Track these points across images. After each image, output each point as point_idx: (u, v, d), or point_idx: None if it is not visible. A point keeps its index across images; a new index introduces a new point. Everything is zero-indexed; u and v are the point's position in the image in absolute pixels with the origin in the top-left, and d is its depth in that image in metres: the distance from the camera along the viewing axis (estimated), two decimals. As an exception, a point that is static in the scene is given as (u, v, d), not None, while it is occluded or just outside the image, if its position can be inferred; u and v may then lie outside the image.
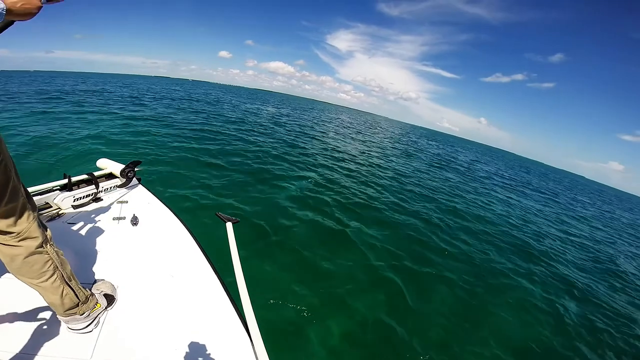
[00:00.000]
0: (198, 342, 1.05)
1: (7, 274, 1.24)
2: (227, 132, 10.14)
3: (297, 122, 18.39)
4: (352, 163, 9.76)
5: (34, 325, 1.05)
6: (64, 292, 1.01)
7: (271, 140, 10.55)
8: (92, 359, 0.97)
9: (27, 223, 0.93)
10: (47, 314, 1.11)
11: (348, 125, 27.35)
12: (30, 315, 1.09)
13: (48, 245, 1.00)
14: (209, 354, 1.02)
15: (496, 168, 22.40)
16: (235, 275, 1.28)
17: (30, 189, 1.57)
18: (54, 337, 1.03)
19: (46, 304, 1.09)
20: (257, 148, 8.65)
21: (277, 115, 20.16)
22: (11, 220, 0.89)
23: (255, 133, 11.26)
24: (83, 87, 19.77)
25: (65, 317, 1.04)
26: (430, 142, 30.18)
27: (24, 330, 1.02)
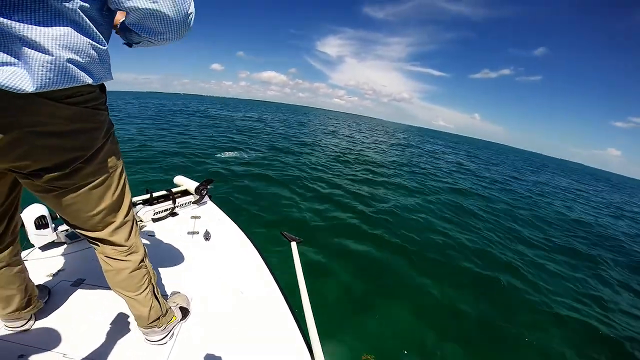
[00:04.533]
0: (265, 357, 1.07)
1: (86, 286, 1.32)
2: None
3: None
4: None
5: (111, 335, 1.08)
6: (153, 304, 1.02)
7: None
8: None
9: (135, 238, 0.96)
10: (124, 325, 1.13)
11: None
12: (107, 326, 1.12)
13: (147, 259, 1.02)
14: None
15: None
16: (301, 296, 1.27)
17: None
18: (130, 347, 1.05)
19: (121, 315, 1.16)
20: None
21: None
22: (125, 234, 0.91)
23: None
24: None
25: (146, 329, 1.04)
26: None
27: (102, 340, 1.05)
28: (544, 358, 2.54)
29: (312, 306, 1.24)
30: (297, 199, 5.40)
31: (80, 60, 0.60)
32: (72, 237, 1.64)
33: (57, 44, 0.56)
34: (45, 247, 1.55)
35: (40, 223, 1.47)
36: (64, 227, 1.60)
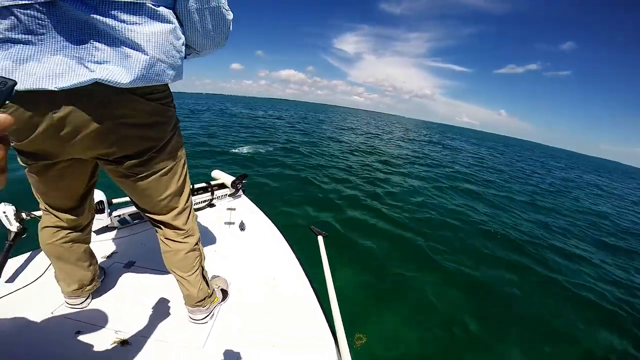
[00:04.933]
0: (293, 344, 1.13)
1: (137, 269, 1.42)
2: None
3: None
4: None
5: (158, 313, 1.16)
6: (201, 285, 1.08)
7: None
8: (205, 348, 1.05)
9: (192, 222, 1.04)
10: (170, 304, 1.21)
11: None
12: (156, 305, 1.20)
13: (200, 243, 1.09)
14: (301, 356, 1.10)
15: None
16: (327, 287, 1.32)
17: None
18: (175, 324, 1.13)
19: (168, 295, 1.25)
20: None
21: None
22: (184, 218, 1.00)
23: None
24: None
25: (193, 308, 1.11)
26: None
27: (151, 318, 1.13)
28: (563, 337, 2.63)
29: (337, 299, 1.28)
30: (317, 186, 5.69)
31: (167, 60, 0.67)
32: (123, 223, 1.79)
33: (150, 45, 0.62)
34: (99, 231, 1.68)
35: (98, 208, 1.58)
36: (117, 212, 1.75)
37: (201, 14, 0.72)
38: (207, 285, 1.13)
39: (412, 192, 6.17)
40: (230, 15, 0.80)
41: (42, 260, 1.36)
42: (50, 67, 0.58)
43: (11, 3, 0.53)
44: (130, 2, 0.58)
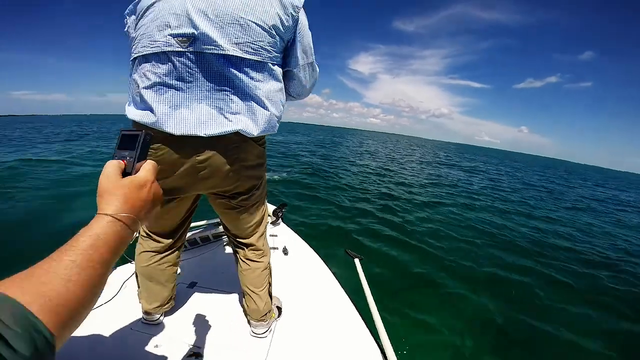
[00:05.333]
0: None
1: (199, 288, 1.53)
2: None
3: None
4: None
5: (223, 328, 1.25)
6: (267, 300, 1.15)
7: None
8: (267, 359, 1.11)
9: (267, 244, 1.16)
10: (231, 320, 1.30)
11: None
12: (219, 321, 1.29)
13: (270, 262, 1.19)
14: None
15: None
16: (370, 309, 1.37)
17: (207, 221, 2.07)
18: (237, 338, 1.20)
19: (229, 312, 1.34)
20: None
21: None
22: (263, 240, 1.13)
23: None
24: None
25: (256, 322, 1.16)
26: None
27: (217, 333, 1.22)
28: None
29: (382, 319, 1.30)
30: (336, 205, 6.04)
31: (277, 114, 0.76)
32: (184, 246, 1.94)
33: (270, 103, 0.70)
34: None
35: None
36: None
37: (305, 68, 0.85)
38: (271, 301, 1.21)
39: (427, 208, 6.43)
40: (317, 69, 0.95)
41: (116, 279, 1.49)
42: (198, 115, 0.65)
43: (169, 49, 0.61)
44: (257, 60, 0.66)
